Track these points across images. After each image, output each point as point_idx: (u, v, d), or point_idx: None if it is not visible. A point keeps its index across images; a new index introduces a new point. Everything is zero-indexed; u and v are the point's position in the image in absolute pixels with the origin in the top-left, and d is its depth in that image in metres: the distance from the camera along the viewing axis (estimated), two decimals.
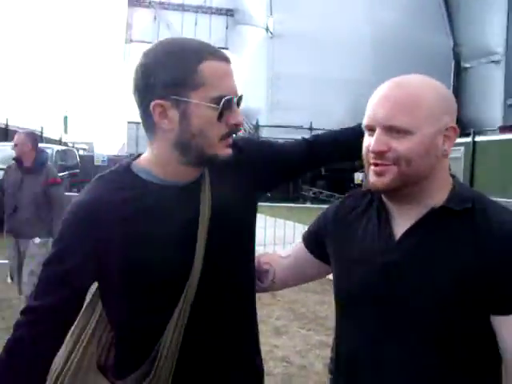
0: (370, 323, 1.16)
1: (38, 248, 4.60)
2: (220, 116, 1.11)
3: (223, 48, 33.21)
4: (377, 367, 1.13)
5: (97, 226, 1.11)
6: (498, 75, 22.41)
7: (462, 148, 15.84)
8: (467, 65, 24.51)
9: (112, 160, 31.12)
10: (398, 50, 23.01)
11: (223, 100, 1.10)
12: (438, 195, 1.13)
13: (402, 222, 1.16)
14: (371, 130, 1.12)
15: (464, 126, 23.01)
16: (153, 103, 1.11)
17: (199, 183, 1.21)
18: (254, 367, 1.33)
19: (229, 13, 31.88)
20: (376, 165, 1.11)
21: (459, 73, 24.86)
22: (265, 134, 24.98)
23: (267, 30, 24.58)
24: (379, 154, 1.09)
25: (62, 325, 1.16)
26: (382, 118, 1.09)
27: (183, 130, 1.12)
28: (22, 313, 1.14)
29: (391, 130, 1.08)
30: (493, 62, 22.73)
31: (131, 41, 31.63)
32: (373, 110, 1.12)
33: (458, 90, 24.91)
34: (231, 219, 1.22)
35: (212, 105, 1.10)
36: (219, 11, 32.09)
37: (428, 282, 1.07)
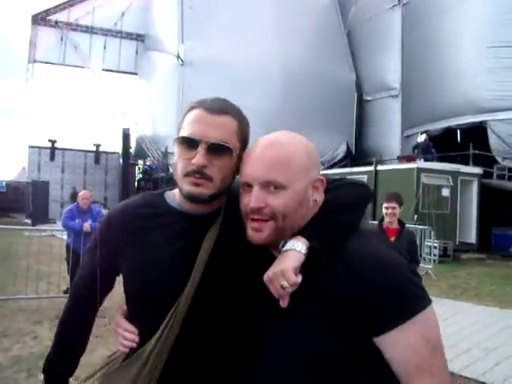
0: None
1: None
2: (181, 154, 1.29)
3: (132, 73, 32.82)
4: None
5: (119, 232, 1.35)
6: (395, 108, 24.03)
7: (366, 176, 16.72)
8: (368, 98, 26.09)
9: (10, 186, 29.38)
10: (306, 82, 23.99)
11: (176, 138, 1.30)
12: None
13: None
14: (247, 185, 1.22)
15: (366, 155, 24.39)
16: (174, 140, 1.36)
17: (213, 218, 1.36)
18: None
19: (139, 38, 31.63)
20: (253, 220, 1.21)
21: (362, 105, 26.38)
22: (174, 160, 24.68)
23: (178, 57, 24.59)
24: (257, 210, 1.19)
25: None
26: (259, 176, 1.19)
27: (173, 163, 1.37)
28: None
29: (268, 185, 1.18)
30: (391, 96, 24.38)
31: (35, 61, 30.16)
32: (250, 168, 1.22)
33: (361, 121, 26.40)
34: (230, 264, 1.32)
35: (175, 142, 1.31)
36: (129, 36, 31.73)
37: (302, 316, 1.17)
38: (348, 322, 1.11)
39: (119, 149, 29.22)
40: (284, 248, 1.18)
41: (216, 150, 1.26)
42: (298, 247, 1.16)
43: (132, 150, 29.84)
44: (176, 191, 1.40)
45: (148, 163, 29.49)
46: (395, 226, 4.91)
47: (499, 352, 5.42)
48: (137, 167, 31.59)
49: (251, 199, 1.20)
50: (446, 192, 15.48)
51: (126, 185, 26.44)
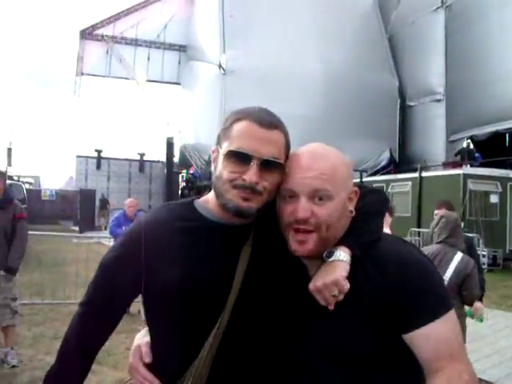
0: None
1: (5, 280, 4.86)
2: (228, 167, 1.25)
3: (175, 83, 33.47)
4: None
5: (150, 245, 1.28)
6: (440, 113, 23.43)
7: (410, 183, 16.39)
8: (412, 103, 25.56)
9: (59, 194, 30.43)
10: (347, 88, 23.76)
11: (227, 149, 1.25)
12: None
13: (311, 262, 1.30)
14: (293, 196, 1.25)
15: (410, 161, 23.90)
16: (213, 149, 1.35)
17: (249, 227, 1.33)
18: None
19: (182, 48, 32.24)
20: (297, 230, 1.23)
21: (405, 110, 25.88)
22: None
23: (220, 66, 24.90)
24: (303, 220, 1.22)
25: (107, 323, 1.38)
26: (309, 186, 1.22)
27: (214, 173, 1.32)
28: (80, 305, 1.38)
29: (314, 196, 1.22)
30: (435, 100, 23.81)
31: (82, 74, 31.30)
32: (298, 177, 1.24)
33: (404, 127, 25.91)
34: (264, 277, 1.31)
35: (224, 154, 1.27)
36: (172, 47, 32.41)
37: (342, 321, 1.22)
38: (383, 321, 1.19)
39: (163, 158, 29.84)
40: (330, 258, 1.23)
41: (268, 166, 1.24)
42: (343, 257, 1.22)
43: (176, 159, 30.34)
44: (207, 199, 1.37)
45: (191, 171, 29.93)
46: None
47: None
48: (180, 176, 32.09)
49: (298, 209, 1.22)
50: (494, 198, 14.94)
51: (170, 193, 26.95)
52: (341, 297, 1.19)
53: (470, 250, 4.73)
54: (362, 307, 1.20)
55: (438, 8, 23.78)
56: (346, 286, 1.19)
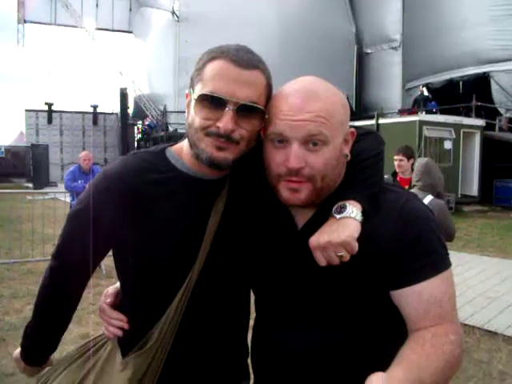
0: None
1: None
2: (201, 113, 1.11)
3: (126, 31, 32.07)
4: (287, 352, 1.18)
5: (120, 199, 1.16)
6: (396, 61, 23.55)
7: None
8: (368, 50, 25.55)
9: (9, 150, 29.19)
10: (304, 34, 23.47)
11: (198, 94, 1.11)
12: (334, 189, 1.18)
13: (300, 212, 1.19)
14: (283, 140, 1.10)
15: (367, 108, 24.11)
16: (186, 92, 1.21)
17: (224, 180, 1.23)
18: (240, 366, 1.35)
19: None
20: (289, 181, 1.10)
21: (361, 58, 25.85)
22: (172, 119, 24.47)
23: (173, 13, 23.94)
24: (296, 171, 1.08)
25: (80, 275, 1.29)
26: (302, 130, 1.06)
27: (186, 120, 1.19)
28: (51, 257, 1.30)
29: (308, 142, 1.07)
30: (392, 48, 23.84)
31: (25, 21, 29.41)
32: (289, 119, 1.08)
33: (361, 74, 25.94)
34: (239, 232, 1.24)
35: (195, 99, 1.12)
36: None
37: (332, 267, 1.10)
38: (374, 277, 1.10)
39: (117, 109, 28.93)
40: (341, 214, 1.09)
41: (246, 111, 1.10)
42: (355, 215, 1.08)
43: (130, 110, 29.54)
44: (180, 149, 1.25)
45: (147, 122, 29.24)
46: (407, 176, 5.07)
47: (502, 300, 5.54)
48: (136, 127, 31.35)
49: (290, 158, 1.07)
50: (448, 145, 15.37)
51: (125, 145, 26.31)
52: (347, 258, 1.06)
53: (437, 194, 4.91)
54: (355, 263, 1.08)
55: None
56: (356, 247, 1.05)
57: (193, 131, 1.15)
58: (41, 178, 22.35)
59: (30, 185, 22.12)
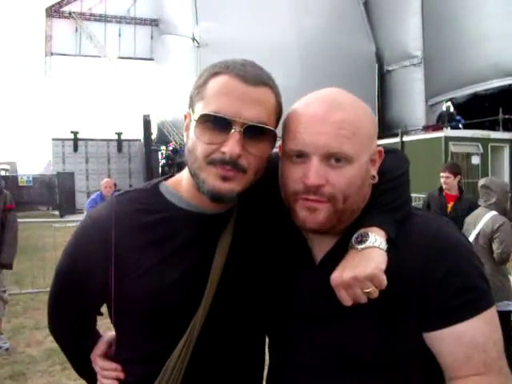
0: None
1: None
2: (203, 136, 0.97)
3: (148, 59, 32.71)
4: None
5: (108, 248, 1.03)
6: (418, 77, 23.30)
7: None
8: (390, 68, 25.37)
9: (37, 179, 29.83)
10: (324, 55, 23.49)
11: (198, 115, 0.97)
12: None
13: (318, 242, 1.06)
14: (300, 156, 0.97)
15: (390, 126, 23.85)
16: (184, 114, 1.07)
17: (229, 215, 1.10)
18: None
19: (153, 23, 31.40)
20: (307, 199, 0.97)
21: (382, 76, 25.68)
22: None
23: (193, 39, 24.31)
24: (315, 188, 0.95)
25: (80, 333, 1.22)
26: (322, 145, 0.94)
27: (186, 145, 1.04)
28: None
29: (330, 158, 0.95)
30: (413, 64, 23.64)
31: (52, 54, 30.33)
32: (308, 134, 0.95)
33: (383, 92, 25.75)
34: (248, 270, 1.11)
35: (196, 120, 0.99)
36: (143, 21, 31.56)
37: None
38: (406, 316, 0.97)
39: (141, 136, 29.34)
40: (363, 245, 0.95)
41: (254, 134, 0.97)
42: (380, 243, 0.94)
43: (154, 136, 29.93)
44: (179, 181, 1.11)
45: (170, 148, 29.53)
46: (453, 193, 5.17)
47: None
48: (160, 153, 31.67)
49: (309, 174, 0.94)
50: (476, 160, 14.99)
51: (150, 171, 26.59)
52: (376, 294, 0.91)
53: (470, 210, 4.78)
54: (382, 301, 0.94)
55: None
56: (385, 281, 0.91)
57: (192, 159, 1.00)
58: (67, 206, 22.67)
59: (57, 212, 22.42)
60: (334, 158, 0.95)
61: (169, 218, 1.06)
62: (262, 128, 0.97)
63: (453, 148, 14.56)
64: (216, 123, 0.96)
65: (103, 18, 30.49)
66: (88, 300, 1.13)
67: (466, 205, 4.98)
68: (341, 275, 0.93)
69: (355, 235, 0.97)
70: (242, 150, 0.96)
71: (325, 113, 0.95)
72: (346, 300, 0.93)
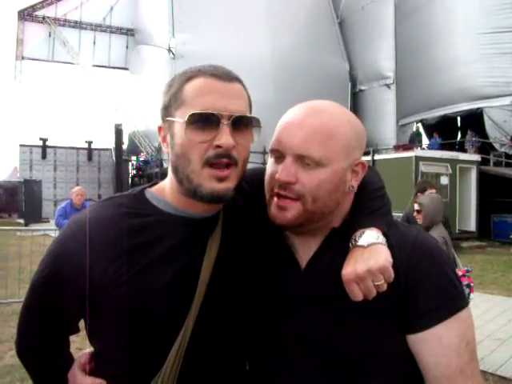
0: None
1: None
2: (193, 139, 0.99)
3: (123, 68, 32.44)
4: None
5: (95, 252, 1.00)
6: (390, 98, 23.79)
7: None
8: (362, 87, 25.84)
9: (2, 186, 29.00)
10: (298, 72, 23.76)
11: (187, 115, 0.99)
12: (340, 221, 1.09)
13: (302, 247, 1.10)
14: (279, 156, 1.05)
15: None
16: (158, 126, 1.09)
17: (217, 219, 1.11)
18: None
19: (129, 32, 31.22)
20: (279, 196, 1.03)
21: (355, 95, 26.12)
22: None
23: (169, 50, 24.26)
24: (285, 185, 1.02)
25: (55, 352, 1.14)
26: (295, 146, 1.01)
27: (172, 153, 1.05)
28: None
29: (302, 159, 1.01)
30: (385, 85, 24.12)
31: (23, 58, 29.70)
32: (285, 135, 1.03)
33: (355, 111, 26.15)
34: (235, 275, 1.11)
35: (185, 121, 0.99)
36: (119, 30, 31.34)
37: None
38: (384, 316, 1.00)
39: (112, 145, 28.92)
40: (369, 241, 0.99)
41: (240, 125, 1.02)
42: (382, 240, 1.00)
43: (125, 146, 29.56)
44: (162, 189, 1.11)
45: (141, 159, 29.22)
46: None
47: None
48: (130, 163, 31.29)
49: (280, 171, 1.01)
50: (445, 180, 15.31)
51: (119, 181, 26.13)
52: (385, 287, 0.95)
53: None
54: (375, 302, 0.97)
55: None
56: (393, 273, 0.96)
57: (185, 163, 1.01)
58: (33, 214, 22.04)
59: (22, 221, 21.78)
60: (306, 161, 1.00)
61: (155, 222, 1.06)
62: (248, 117, 1.03)
63: (423, 168, 14.83)
64: (206, 121, 0.99)
65: (78, 25, 30.13)
66: (66, 312, 1.07)
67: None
68: (355, 269, 0.96)
69: (354, 235, 1.02)
70: (233, 141, 1.00)
71: (303, 118, 1.03)
72: (358, 294, 0.96)
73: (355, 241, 1.01)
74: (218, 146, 0.99)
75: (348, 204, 1.10)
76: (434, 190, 5.45)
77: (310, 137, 1.00)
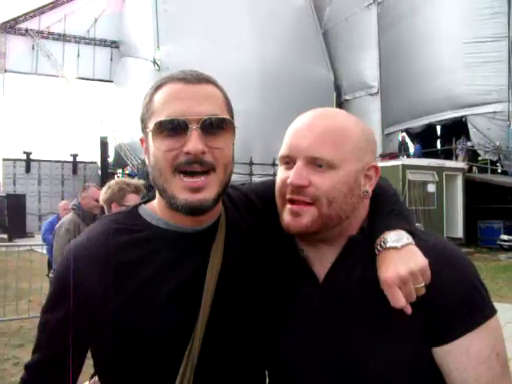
0: None
1: None
2: (161, 147, 0.95)
3: (107, 81, 32.32)
4: None
5: (93, 272, 0.97)
6: (375, 107, 24.04)
7: None
8: (347, 97, 26.09)
9: None
10: (283, 82, 23.90)
11: (153, 124, 0.96)
12: (357, 228, 1.05)
13: (318, 258, 1.06)
14: (290, 162, 1.02)
15: None
16: (140, 139, 1.06)
17: (213, 232, 1.05)
18: None
19: (114, 45, 31.14)
20: (292, 201, 1.00)
21: (340, 105, 26.31)
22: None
23: (154, 62, 24.24)
24: (298, 189, 0.98)
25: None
26: (306, 149, 0.99)
27: (149, 165, 1.02)
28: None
29: (314, 162, 0.98)
30: (370, 94, 24.38)
31: (6, 71, 29.41)
32: (295, 139, 1.01)
33: None
34: (245, 291, 1.05)
35: (152, 131, 0.96)
36: (103, 43, 31.24)
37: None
38: (410, 329, 0.95)
39: (97, 158, 28.72)
40: (402, 243, 0.94)
41: (211, 127, 0.96)
42: (411, 240, 0.96)
43: (110, 159, 29.37)
44: (154, 204, 1.08)
45: (127, 171, 29.03)
46: None
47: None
48: (116, 176, 31.07)
49: (292, 175, 0.98)
50: (431, 188, 15.48)
51: None
52: (423, 290, 0.91)
53: None
54: (402, 317, 0.92)
55: (370, 4, 24.37)
56: (430, 274, 0.92)
57: (157, 173, 0.98)
58: (16, 229, 21.71)
59: (5, 236, 21.43)
60: (318, 163, 0.98)
61: (148, 238, 1.02)
62: (218, 118, 0.97)
63: (410, 176, 14.96)
64: (172, 128, 0.95)
65: (62, 38, 29.97)
66: (81, 346, 1.02)
67: None
68: (397, 272, 0.91)
69: (382, 237, 0.97)
70: (204, 146, 0.94)
71: (313, 121, 1.02)
72: (401, 300, 0.90)
73: (384, 243, 0.97)
74: (188, 153, 0.94)
75: (364, 210, 1.07)
76: None
77: (321, 138, 0.98)
